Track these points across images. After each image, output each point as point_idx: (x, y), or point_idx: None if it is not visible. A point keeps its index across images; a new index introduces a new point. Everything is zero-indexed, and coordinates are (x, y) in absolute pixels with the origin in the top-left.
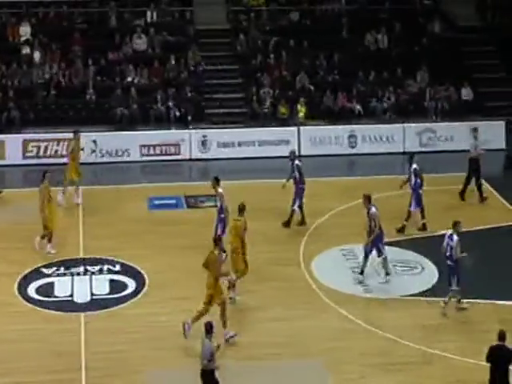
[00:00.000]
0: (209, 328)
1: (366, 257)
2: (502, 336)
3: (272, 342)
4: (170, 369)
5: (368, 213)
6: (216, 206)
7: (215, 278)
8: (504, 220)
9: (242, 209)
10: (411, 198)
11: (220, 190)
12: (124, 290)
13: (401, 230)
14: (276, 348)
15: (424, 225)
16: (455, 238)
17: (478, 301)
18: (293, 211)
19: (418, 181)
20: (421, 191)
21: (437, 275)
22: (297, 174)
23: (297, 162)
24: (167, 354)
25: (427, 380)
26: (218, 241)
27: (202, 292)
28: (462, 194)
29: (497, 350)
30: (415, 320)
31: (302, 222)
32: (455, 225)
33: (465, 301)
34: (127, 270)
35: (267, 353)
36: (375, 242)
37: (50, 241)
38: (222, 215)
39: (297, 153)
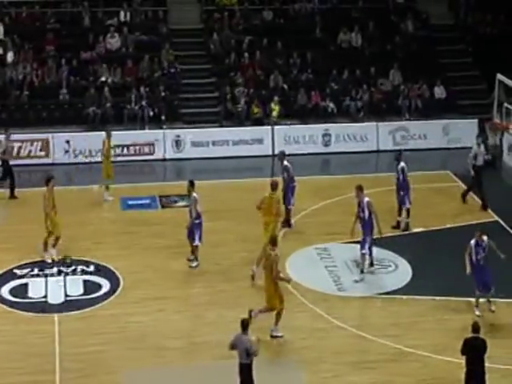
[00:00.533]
0: (245, 325)
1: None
2: (476, 328)
3: None
4: (145, 369)
5: (359, 205)
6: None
7: (273, 282)
8: (476, 218)
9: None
10: (404, 197)
11: (194, 194)
12: (98, 290)
13: (406, 229)
14: None
15: (398, 222)
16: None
17: (451, 298)
18: (289, 210)
19: (407, 179)
20: (401, 190)
21: (410, 273)
22: (285, 174)
23: (285, 162)
24: (142, 353)
25: (401, 378)
26: (275, 243)
27: (177, 291)
28: (464, 196)
29: (472, 342)
30: (389, 318)
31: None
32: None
33: (437, 298)
34: (101, 271)
35: None
36: (367, 233)
37: (54, 246)
38: (197, 221)
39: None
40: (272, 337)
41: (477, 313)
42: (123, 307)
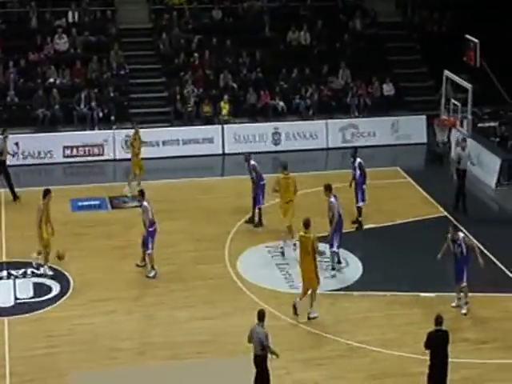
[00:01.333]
0: (261, 316)
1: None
2: (439, 321)
3: (197, 341)
4: (95, 370)
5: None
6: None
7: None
8: (425, 213)
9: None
10: (357, 194)
11: (145, 203)
12: (48, 293)
13: (359, 228)
14: (201, 347)
15: (358, 221)
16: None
17: (401, 293)
18: (259, 209)
19: (365, 175)
20: (364, 186)
21: (361, 270)
22: (254, 174)
23: (252, 162)
24: (93, 355)
25: (352, 373)
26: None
27: (127, 292)
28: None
29: (435, 335)
30: (340, 314)
31: (253, 221)
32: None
33: (388, 293)
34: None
35: (192, 352)
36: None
37: (46, 260)
38: (151, 228)
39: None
40: (310, 318)
41: (453, 304)
42: (74, 309)
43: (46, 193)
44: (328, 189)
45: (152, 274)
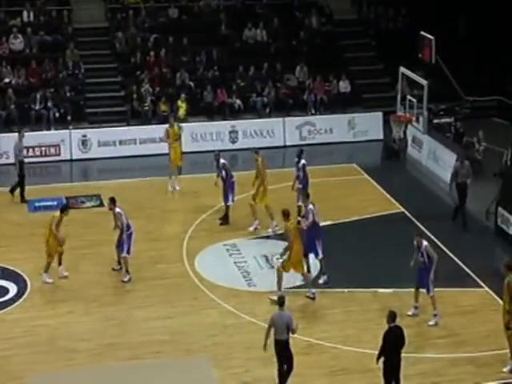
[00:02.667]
0: (282, 301)
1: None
2: (393, 317)
3: (155, 341)
4: (53, 372)
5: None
6: (96, 206)
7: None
8: (382, 209)
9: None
10: (299, 193)
11: (117, 209)
12: (5, 294)
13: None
14: (159, 346)
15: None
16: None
17: (359, 289)
18: (228, 206)
19: (307, 176)
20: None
21: (318, 267)
22: (223, 173)
23: (222, 160)
24: (50, 357)
25: (311, 370)
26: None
27: (85, 293)
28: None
29: (391, 331)
30: (298, 311)
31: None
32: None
33: (346, 290)
34: (8, 274)
35: (150, 351)
36: (311, 240)
37: (46, 270)
38: (128, 232)
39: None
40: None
41: (409, 313)
42: (31, 311)
43: (66, 209)
44: (306, 196)
45: (127, 279)
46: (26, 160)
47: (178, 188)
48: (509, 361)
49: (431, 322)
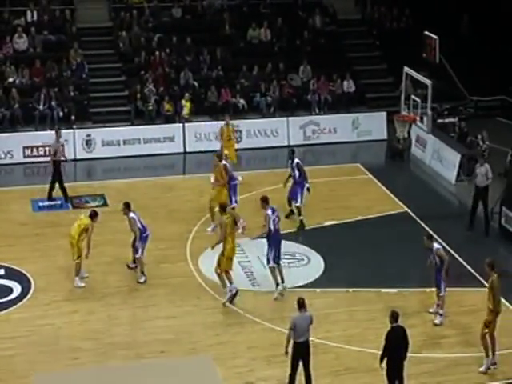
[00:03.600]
0: (301, 303)
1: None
2: (395, 317)
3: (159, 340)
4: (57, 371)
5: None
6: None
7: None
8: (386, 209)
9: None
10: (297, 193)
11: (131, 214)
12: (9, 294)
13: (300, 228)
14: (163, 346)
15: (300, 220)
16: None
17: (363, 289)
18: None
19: (304, 175)
20: (307, 185)
21: (323, 266)
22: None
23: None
24: (54, 356)
25: (315, 370)
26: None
27: (89, 292)
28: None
29: (394, 331)
30: None
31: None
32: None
33: (350, 290)
34: (12, 274)
35: (154, 351)
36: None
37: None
38: (144, 234)
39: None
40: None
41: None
42: (35, 310)
43: (95, 215)
44: (265, 201)
45: (142, 280)
46: (31, 160)
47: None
48: (484, 359)
49: (436, 321)
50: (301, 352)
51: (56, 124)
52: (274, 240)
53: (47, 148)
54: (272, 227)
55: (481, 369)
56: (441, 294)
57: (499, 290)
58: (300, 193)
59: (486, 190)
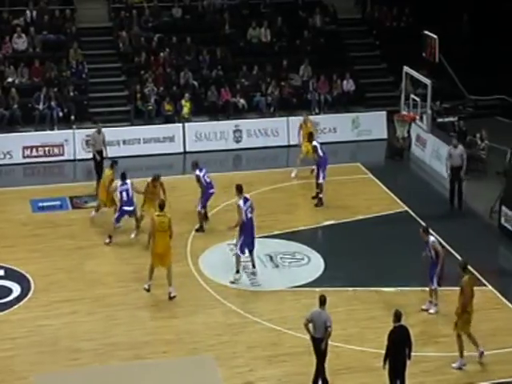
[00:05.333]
0: (323, 300)
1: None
2: (398, 316)
3: (160, 340)
4: (57, 372)
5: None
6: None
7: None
8: (386, 208)
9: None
10: (319, 172)
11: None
12: (9, 295)
13: (318, 205)
14: (164, 346)
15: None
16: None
17: (363, 288)
18: (199, 213)
19: (325, 155)
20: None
21: (323, 266)
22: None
23: (197, 172)
24: (54, 357)
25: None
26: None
27: (89, 293)
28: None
29: (396, 331)
30: (302, 311)
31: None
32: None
33: (350, 289)
34: (12, 275)
35: (155, 351)
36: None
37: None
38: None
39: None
40: (171, 298)
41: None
42: (35, 311)
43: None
44: (238, 189)
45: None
46: (30, 160)
47: (293, 175)
48: (458, 358)
49: (431, 311)
50: (318, 348)
51: (55, 124)
52: (246, 229)
53: (47, 148)
54: (244, 218)
55: (454, 364)
56: (432, 288)
57: (471, 290)
58: (322, 172)
59: (460, 169)
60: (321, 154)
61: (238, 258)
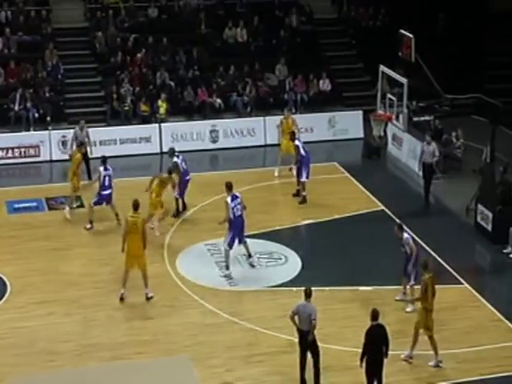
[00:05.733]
0: (308, 293)
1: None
2: (375, 315)
3: (136, 341)
4: (33, 374)
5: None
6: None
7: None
8: (363, 207)
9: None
10: (302, 170)
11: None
12: None
13: (302, 202)
14: (141, 347)
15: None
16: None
17: (340, 288)
18: (176, 199)
19: (307, 155)
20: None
21: (300, 265)
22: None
23: (175, 159)
24: (31, 359)
25: (293, 368)
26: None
27: (66, 294)
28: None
29: (373, 330)
30: (279, 310)
31: (177, 213)
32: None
33: (327, 288)
34: None
35: (132, 352)
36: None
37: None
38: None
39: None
40: (148, 299)
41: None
42: (11, 313)
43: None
44: (228, 187)
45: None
46: (6, 161)
47: (276, 174)
48: (434, 356)
49: (408, 309)
50: (302, 339)
51: (31, 125)
52: (234, 225)
53: (23, 149)
54: (231, 215)
55: (430, 363)
56: (410, 284)
57: (432, 289)
58: (305, 170)
59: (431, 167)
60: (303, 153)
61: (226, 252)
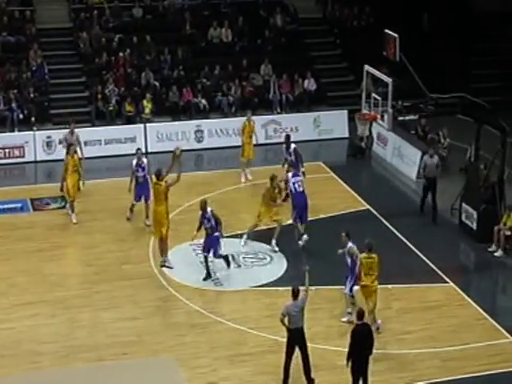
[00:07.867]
0: (296, 292)
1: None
2: (361, 314)
3: (122, 342)
4: (17, 375)
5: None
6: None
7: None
8: (348, 207)
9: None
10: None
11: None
12: None
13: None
14: (126, 347)
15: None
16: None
17: (326, 287)
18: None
19: (299, 159)
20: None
21: (285, 265)
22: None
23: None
24: (15, 360)
25: (278, 368)
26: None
27: (51, 295)
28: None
29: (359, 329)
30: (265, 310)
31: None
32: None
33: (313, 288)
34: None
35: (117, 353)
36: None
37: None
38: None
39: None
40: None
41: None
42: None
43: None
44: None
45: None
46: None
47: (250, 177)
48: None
49: (344, 319)
50: (296, 338)
51: (16, 126)
52: (296, 203)
53: (7, 150)
54: (293, 189)
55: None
56: (344, 292)
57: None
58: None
59: (435, 181)
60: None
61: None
